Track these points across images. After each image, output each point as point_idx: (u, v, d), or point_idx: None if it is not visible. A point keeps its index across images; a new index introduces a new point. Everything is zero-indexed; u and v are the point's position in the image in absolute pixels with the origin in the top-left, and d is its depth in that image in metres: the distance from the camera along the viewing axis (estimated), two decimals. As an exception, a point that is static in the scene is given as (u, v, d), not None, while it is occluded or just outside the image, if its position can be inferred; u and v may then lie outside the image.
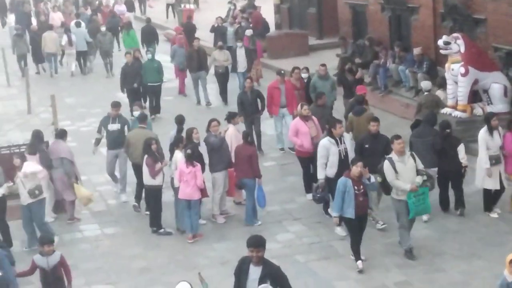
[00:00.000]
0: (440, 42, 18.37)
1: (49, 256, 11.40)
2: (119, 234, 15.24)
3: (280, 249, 13.82)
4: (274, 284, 8.94)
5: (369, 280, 12.57)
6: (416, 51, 20.74)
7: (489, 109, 18.11)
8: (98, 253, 14.41)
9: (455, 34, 18.49)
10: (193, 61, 23.71)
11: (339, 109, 19.82)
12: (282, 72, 19.42)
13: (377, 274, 12.75)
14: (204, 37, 28.87)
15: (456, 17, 20.22)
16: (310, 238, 14.38)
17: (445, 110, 18.23)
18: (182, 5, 37.37)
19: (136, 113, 17.21)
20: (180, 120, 16.41)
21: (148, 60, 23.04)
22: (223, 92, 24.12)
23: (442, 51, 18.48)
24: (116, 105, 17.02)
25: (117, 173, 17.10)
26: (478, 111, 18.16)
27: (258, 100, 18.89)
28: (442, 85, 18.77)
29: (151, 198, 15.10)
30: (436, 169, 14.54)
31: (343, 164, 13.85)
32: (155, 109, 22.96)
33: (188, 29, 29.71)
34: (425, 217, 14.31)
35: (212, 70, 24.23)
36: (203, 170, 14.75)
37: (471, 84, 18.09)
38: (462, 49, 18.05)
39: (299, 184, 16.94)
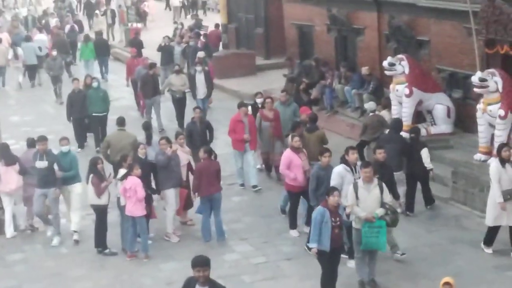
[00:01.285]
0: (385, 63, 18.62)
1: None
2: (63, 254, 15.05)
3: (226, 269, 13.77)
4: None
5: (314, 300, 12.59)
6: (364, 70, 20.95)
7: (432, 130, 18.42)
8: (42, 274, 14.20)
9: (399, 56, 18.77)
10: (148, 86, 22.76)
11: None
12: (247, 104, 18.41)
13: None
14: (151, 55, 28.79)
15: (401, 38, 20.51)
16: (256, 259, 14.37)
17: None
18: (129, 24, 37.25)
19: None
20: (147, 126, 17.24)
21: (93, 89, 21.33)
22: (181, 118, 22.82)
23: (387, 72, 18.73)
24: (42, 139, 15.43)
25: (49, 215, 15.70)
26: (422, 131, 18.39)
27: (207, 131, 18.04)
28: (387, 105, 18.98)
29: (96, 217, 14.97)
30: (401, 172, 15.33)
31: None
32: (100, 141, 20.12)
33: (135, 45, 29.76)
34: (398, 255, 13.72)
35: (168, 95, 23.37)
36: (152, 187, 14.87)
37: (415, 105, 18.35)
38: (407, 71, 18.32)
39: (246, 204, 16.99)
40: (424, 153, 15.71)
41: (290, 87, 23.80)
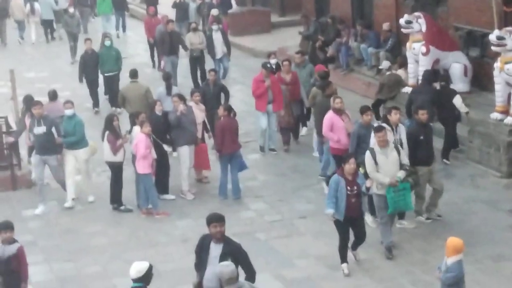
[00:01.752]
0: (401, 21, 18.42)
1: (6, 246, 10.47)
2: (78, 211, 15.14)
3: (241, 227, 13.82)
4: (235, 261, 8.95)
5: (329, 258, 12.61)
6: (384, 26, 20.71)
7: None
8: (57, 230, 14.30)
9: (416, 13, 18.54)
10: (165, 44, 22.42)
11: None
12: (268, 65, 17.56)
13: (338, 252, 12.79)
14: (166, 12, 28.64)
15: (418, -4, 20.29)
16: (271, 216, 14.41)
17: (406, 89, 18.31)
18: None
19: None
20: (167, 77, 17.68)
21: (106, 48, 21.03)
22: (196, 77, 22.38)
23: (403, 30, 18.54)
24: (37, 103, 15.06)
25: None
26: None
27: (222, 94, 17.73)
28: (404, 64, 18.83)
29: (112, 174, 15.01)
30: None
31: None
32: (114, 100, 20.27)
33: (150, 2, 29.85)
34: (405, 222, 13.56)
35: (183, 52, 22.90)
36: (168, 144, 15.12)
37: (432, 63, 18.15)
38: (424, 28, 18.11)
39: (261, 162, 17.01)
40: (457, 99, 15.95)
41: (306, 44, 23.67)
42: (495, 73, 16.12)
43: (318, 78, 16.90)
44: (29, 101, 16.05)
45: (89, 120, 18.51)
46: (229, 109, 15.13)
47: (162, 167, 15.10)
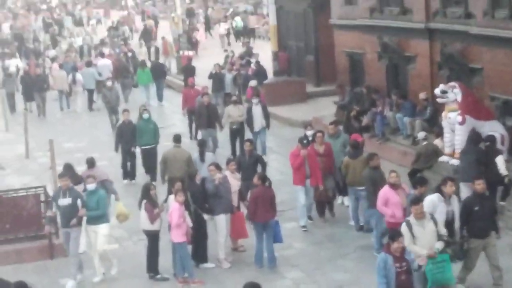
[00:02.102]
0: (437, 91, 18.49)
1: None
2: (115, 279, 15.16)
3: (277, 296, 13.76)
4: None
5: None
6: (422, 95, 20.81)
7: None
8: (95, 298, 14.33)
9: (452, 83, 18.62)
10: (202, 118, 22.37)
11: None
12: (305, 141, 17.08)
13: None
14: (203, 83, 29.05)
15: (453, 66, 20.38)
16: (307, 285, 14.32)
17: (442, 159, 18.28)
18: (181, 52, 37.64)
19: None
20: (202, 143, 18.44)
21: (143, 120, 20.89)
22: (235, 149, 22.20)
23: (439, 100, 18.60)
24: (63, 175, 15.17)
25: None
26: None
27: (259, 164, 17.62)
28: (440, 134, 18.84)
29: (148, 242, 15.07)
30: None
31: (448, 227, 12.87)
32: (151, 173, 20.70)
33: (187, 71, 31.45)
34: None
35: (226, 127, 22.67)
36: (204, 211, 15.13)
37: (468, 132, 18.15)
38: (459, 98, 18.15)
39: (297, 230, 16.95)
40: (500, 159, 15.97)
41: (341, 114, 23.82)
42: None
43: (351, 148, 16.97)
44: (68, 169, 16.39)
45: (124, 189, 18.65)
46: (263, 178, 15.22)
47: (200, 235, 15.16)
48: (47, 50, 38.47)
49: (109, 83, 27.75)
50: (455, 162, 18.01)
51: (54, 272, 15.55)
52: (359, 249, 15.79)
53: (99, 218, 14.88)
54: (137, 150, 21.22)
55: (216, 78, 28.16)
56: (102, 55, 34.46)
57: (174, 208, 14.39)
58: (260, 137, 22.19)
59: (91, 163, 17.32)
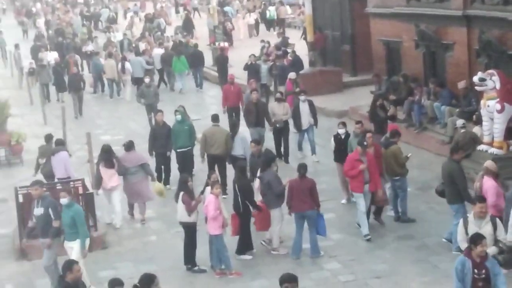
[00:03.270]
0: (475, 79, 18.28)
1: None
2: (153, 271, 15.11)
3: (314, 287, 13.70)
4: None
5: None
6: (461, 84, 20.57)
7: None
8: (132, 291, 14.37)
9: (490, 71, 18.40)
10: (251, 116, 21.35)
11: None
12: (365, 143, 16.05)
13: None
14: (238, 74, 29.04)
15: (491, 53, 20.14)
16: (345, 276, 14.27)
17: (481, 147, 18.09)
18: (217, 43, 37.64)
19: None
20: (234, 124, 19.22)
21: (177, 122, 19.89)
22: (280, 148, 21.35)
23: (477, 88, 18.39)
24: (35, 183, 14.48)
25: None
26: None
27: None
28: (479, 121, 18.63)
29: (185, 234, 15.11)
30: None
31: None
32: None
33: (221, 61, 31.90)
34: None
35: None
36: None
37: (507, 120, 17.94)
38: (498, 86, 17.93)
39: (334, 221, 16.87)
40: None
41: (386, 104, 23.64)
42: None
43: (389, 136, 16.83)
44: (105, 152, 17.56)
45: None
46: (299, 169, 15.17)
47: (246, 226, 15.25)
48: (85, 45, 38.62)
49: (147, 79, 27.11)
50: (493, 150, 17.81)
51: (93, 264, 15.62)
52: (397, 239, 15.69)
53: (75, 234, 14.03)
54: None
55: (252, 69, 28.12)
56: (136, 53, 34.58)
57: (210, 201, 14.41)
58: (308, 135, 21.40)
59: (128, 146, 17.97)
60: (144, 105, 26.20)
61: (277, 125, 21.21)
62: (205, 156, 19.00)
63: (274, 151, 20.18)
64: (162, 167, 19.94)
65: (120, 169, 17.51)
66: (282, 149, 21.40)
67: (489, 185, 13.72)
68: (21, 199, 16.07)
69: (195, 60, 32.65)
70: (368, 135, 16.51)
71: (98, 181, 17.63)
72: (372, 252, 15.24)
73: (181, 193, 14.94)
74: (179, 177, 15.96)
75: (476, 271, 10.38)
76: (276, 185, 15.18)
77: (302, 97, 21.46)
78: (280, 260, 15.01)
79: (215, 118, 19.27)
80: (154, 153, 19.92)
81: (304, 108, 21.25)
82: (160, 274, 14.84)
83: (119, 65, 32.01)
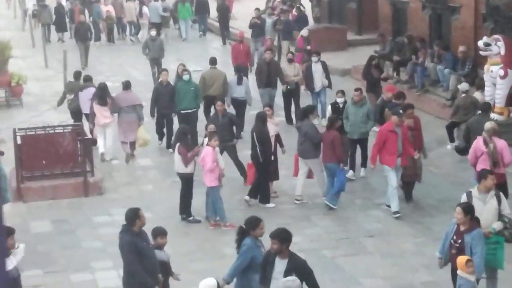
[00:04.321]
0: (480, 43, 18.18)
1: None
2: (148, 219, 15.10)
3: (307, 243, 13.78)
4: (299, 277, 8.94)
5: (396, 279, 12.49)
6: (461, 48, 20.48)
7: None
8: (127, 237, 14.44)
9: (495, 36, 18.29)
10: (263, 75, 20.62)
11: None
12: (401, 111, 15.22)
13: (404, 273, 12.67)
14: (243, 27, 28.91)
15: (498, 18, 19.99)
16: (338, 234, 14.34)
17: (482, 112, 18.04)
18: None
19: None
20: (239, 69, 20.07)
21: (183, 82, 18.93)
22: (289, 110, 20.73)
23: (481, 52, 18.30)
24: None
25: None
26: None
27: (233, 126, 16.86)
28: (481, 87, 18.57)
29: (182, 185, 15.15)
30: None
31: None
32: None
33: (222, 12, 32.36)
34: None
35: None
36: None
37: (509, 87, 17.89)
38: (502, 51, 17.84)
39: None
40: None
41: (381, 64, 23.54)
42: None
43: (393, 99, 16.75)
44: (100, 89, 18.21)
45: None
46: (331, 121, 15.57)
47: (265, 175, 15.49)
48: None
49: (152, 32, 25.73)
50: (495, 116, 17.77)
51: (88, 209, 15.72)
52: (393, 200, 15.72)
53: None
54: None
55: (256, 27, 27.69)
56: None
57: (207, 153, 14.42)
58: (320, 97, 20.73)
59: (126, 85, 18.48)
60: (148, 59, 25.19)
61: (288, 87, 20.62)
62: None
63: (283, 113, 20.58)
64: (164, 130, 19.16)
65: (113, 107, 18.09)
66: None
67: (503, 144, 13.76)
68: (19, 141, 16.09)
69: (200, 7, 33.45)
70: (410, 111, 15.52)
71: (92, 118, 18.21)
72: (366, 211, 15.30)
73: (178, 144, 14.94)
74: (178, 128, 15.93)
75: (454, 237, 10.59)
76: (313, 135, 15.31)
77: (314, 58, 20.68)
78: (275, 215, 15.05)
79: (213, 61, 20.01)
80: (155, 114, 19.01)
81: (317, 69, 20.56)
82: (155, 223, 14.99)
83: (137, 9, 33.25)
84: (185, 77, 18.95)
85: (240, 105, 19.68)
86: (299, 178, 15.71)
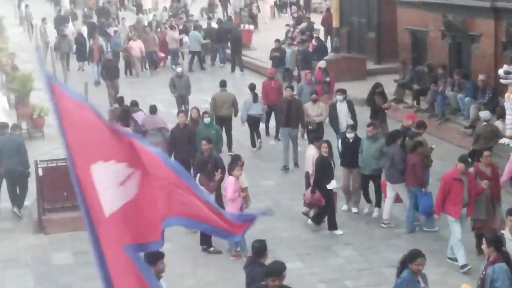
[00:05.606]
0: (500, 72, 18.17)
1: None
2: (169, 251, 15.14)
3: (328, 274, 13.70)
4: None
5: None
6: (481, 77, 20.46)
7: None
8: (148, 268, 14.42)
9: (516, 64, 18.27)
10: (282, 114, 19.67)
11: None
12: (470, 159, 14.16)
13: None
14: (262, 57, 29.02)
15: (518, 46, 19.97)
16: (360, 264, 14.25)
17: (503, 141, 17.99)
18: (242, 26, 37.57)
19: None
20: (252, 87, 21.04)
21: (204, 125, 18.12)
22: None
23: (502, 81, 18.28)
24: None
25: None
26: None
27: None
28: (502, 115, 18.50)
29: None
30: None
31: None
32: None
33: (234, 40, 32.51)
34: None
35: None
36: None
37: (530, 115, 17.82)
38: (523, 79, 17.80)
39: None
40: None
41: (401, 93, 23.56)
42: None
43: (415, 127, 16.71)
44: (123, 111, 19.03)
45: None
46: (411, 146, 15.57)
47: (328, 204, 15.51)
48: (110, 27, 38.22)
49: (179, 69, 24.72)
50: (505, 141, 17.76)
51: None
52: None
53: None
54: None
55: (277, 59, 27.64)
56: (195, 27, 35.05)
57: (229, 183, 14.40)
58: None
59: (153, 110, 19.24)
60: (175, 96, 24.15)
61: (310, 127, 19.61)
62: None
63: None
64: None
65: (135, 128, 18.56)
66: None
67: None
68: (41, 173, 16.16)
69: (221, 36, 33.59)
70: (486, 153, 14.51)
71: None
72: (387, 241, 15.22)
73: (198, 175, 14.94)
74: (196, 159, 15.90)
75: (482, 268, 10.41)
76: (399, 161, 15.39)
77: (339, 97, 19.62)
78: (295, 244, 14.99)
79: (223, 84, 21.08)
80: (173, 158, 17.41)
81: (341, 108, 19.47)
82: (175, 254, 15.00)
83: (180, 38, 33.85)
84: (206, 120, 18.12)
85: (256, 121, 21.03)
86: (387, 202, 15.83)
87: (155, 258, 9.83)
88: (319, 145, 15.86)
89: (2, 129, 17.54)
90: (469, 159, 13.93)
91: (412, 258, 9.87)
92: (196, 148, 17.18)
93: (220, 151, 17.77)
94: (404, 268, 9.84)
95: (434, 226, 15.38)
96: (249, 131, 21.25)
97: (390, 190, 15.73)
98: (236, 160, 14.85)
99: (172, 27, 34.55)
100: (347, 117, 19.31)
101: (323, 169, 15.46)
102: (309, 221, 15.81)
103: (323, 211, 15.69)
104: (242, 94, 22.94)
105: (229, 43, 32.98)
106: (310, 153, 16.07)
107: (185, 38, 33.57)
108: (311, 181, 15.83)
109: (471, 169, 13.98)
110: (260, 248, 10.41)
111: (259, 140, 21.06)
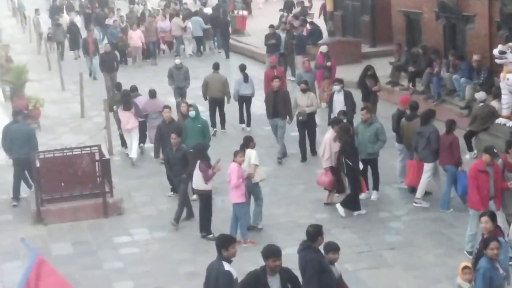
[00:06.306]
0: (495, 52, 18.12)
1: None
2: (168, 238, 15.29)
3: (329, 257, 13.70)
4: (294, 286, 9.19)
5: (418, 291, 12.41)
6: (475, 57, 20.45)
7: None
8: (147, 257, 14.48)
9: (510, 44, 18.23)
10: (269, 104, 19.27)
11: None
12: (495, 150, 13.34)
13: (427, 285, 12.59)
14: (257, 43, 28.98)
15: (513, 26, 19.95)
16: (359, 247, 14.27)
17: (499, 120, 17.97)
18: (236, 11, 37.46)
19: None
20: (243, 68, 21.79)
21: (190, 119, 17.53)
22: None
23: (497, 61, 18.23)
24: None
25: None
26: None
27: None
28: (498, 95, 18.50)
29: (201, 202, 15.13)
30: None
31: None
32: None
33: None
34: None
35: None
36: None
37: (526, 94, 17.80)
38: (518, 59, 17.77)
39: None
40: None
41: (397, 75, 23.55)
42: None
43: (409, 109, 16.71)
44: (124, 95, 19.36)
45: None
46: (449, 125, 15.56)
47: (356, 184, 15.60)
48: (108, 18, 37.90)
49: (177, 60, 24.14)
50: (501, 120, 17.76)
51: (108, 230, 15.74)
52: (412, 211, 15.67)
53: None
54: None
55: (272, 46, 27.48)
56: (196, 13, 35.34)
57: (232, 169, 14.37)
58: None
59: (152, 94, 19.86)
60: (173, 88, 23.62)
61: (300, 118, 18.89)
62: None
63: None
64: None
65: (137, 111, 19.23)
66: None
67: None
68: (38, 164, 16.15)
69: (216, 23, 33.84)
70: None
71: (118, 123, 19.56)
72: (386, 223, 15.23)
73: (198, 161, 14.92)
74: (196, 144, 15.86)
75: (478, 247, 10.51)
76: (434, 141, 15.46)
77: (337, 87, 19.05)
78: (294, 229, 15.00)
79: (216, 66, 21.77)
80: (160, 155, 17.80)
81: (338, 99, 18.93)
82: (175, 241, 15.02)
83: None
84: (191, 113, 17.50)
85: (247, 100, 21.69)
86: (422, 181, 15.73)
87: (227, 242, 10.06)
88: (337, 129, 15.86)
89: (16, 115, 17.61)
90: (494, 150, 13.18)
91: (486, 243, 9.79)
92: (183, 143, 16.45)
93: (208, 146, 16.88)
94: (479, 257, 9.80)
95: (445, 207, 15.47)
96: (238, 109, 21.90)
97: (428, 169, 15.69)
98: (248, 142, 15.00)
99: (177, 14, 34.90)
100: (342, 108, 18.42)
101: (354, 151, 15.64)
102: (340, 209, 15.63)
103: (350, 196, 15.73)
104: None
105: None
106: (327, 137, 16.05)
107: (188, 24, 33.67)
108: (323, 164, 16.02)
109: (499, 161, 13.37)
110: (314, 233, 10.31)
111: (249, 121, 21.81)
